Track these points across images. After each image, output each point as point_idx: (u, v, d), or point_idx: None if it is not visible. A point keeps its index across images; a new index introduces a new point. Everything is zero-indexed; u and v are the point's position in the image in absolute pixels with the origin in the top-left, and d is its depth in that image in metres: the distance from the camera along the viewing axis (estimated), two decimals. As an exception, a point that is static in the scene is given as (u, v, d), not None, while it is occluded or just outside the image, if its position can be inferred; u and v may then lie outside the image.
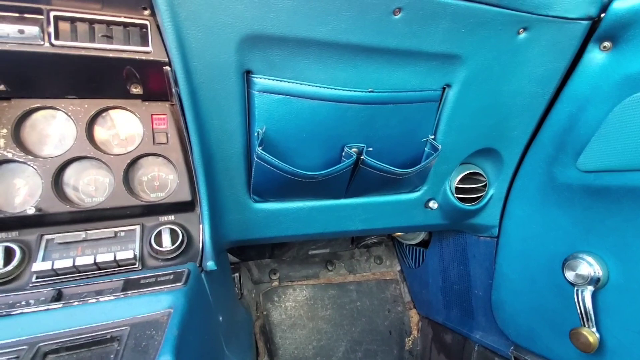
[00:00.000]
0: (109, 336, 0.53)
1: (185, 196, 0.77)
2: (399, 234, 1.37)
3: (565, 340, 0.90)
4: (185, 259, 0.76)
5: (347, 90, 0.78)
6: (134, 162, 0.75)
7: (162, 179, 0.79)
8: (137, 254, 0.71)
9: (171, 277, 0.64)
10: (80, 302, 0.56)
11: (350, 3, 0.67)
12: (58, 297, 0.57)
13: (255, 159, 0.77)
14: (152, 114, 0.77)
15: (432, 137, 0.92)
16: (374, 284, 1.51)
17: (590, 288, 0.87)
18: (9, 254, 0.64)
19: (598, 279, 0.86)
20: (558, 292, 0.94)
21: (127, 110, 0.75)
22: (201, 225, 0.79)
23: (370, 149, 0.85)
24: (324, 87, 0.76)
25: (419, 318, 1.48)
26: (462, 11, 0.73)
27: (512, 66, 0.85)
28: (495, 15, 0.76)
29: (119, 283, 0.62)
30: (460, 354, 1.23)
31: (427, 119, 0.90)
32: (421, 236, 1.37)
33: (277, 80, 0.74)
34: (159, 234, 0.74)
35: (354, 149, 0.84)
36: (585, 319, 0.87)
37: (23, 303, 0.56)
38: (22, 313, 0.53)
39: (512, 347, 1.07)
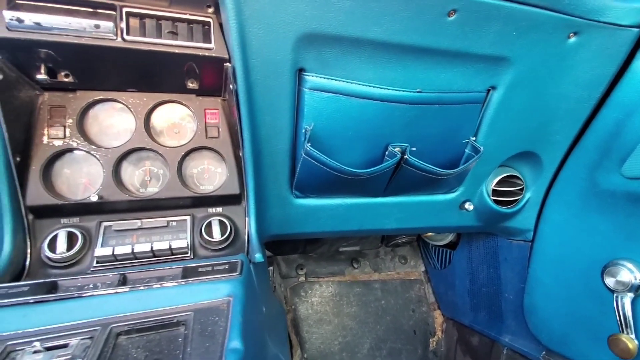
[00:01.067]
0: (175, 320, 0.55)
1: (234, 189, 0.79)
2: (429, 234, 1.38)
3: (601, 346, 0.90)
4: (233, 250, 0.78)
5: (395, 90, 0.79)
6: (187, 154, 0.78)
7: (211, 172, 0.81)
8: (189, 243, 0.74)
9: (226, 266, 0.66)
10: (145, 287, 0.59)
11: (407, 4, 0.68)
12: (123, 281, 0.60)
13: (303, 155, 0.79)
14: (205, 109, 0.79)
15: (474, 138, 0.92)
16: (398, 283, 1.52)
17: (630, 295, 0.86)
18: (71, 239, 0.67)
19: (639, 286, 0.85)
20: (595, 298, 0.93)
21: (182, 104, 0.77)
22: (247, 218, 0.81)
23: (414, 148, 0.85)
24: (373, 87, 0.77)
25: (443, 319, 1.48)
26: (515, 14, 0.74)
27: (559, 70, 0.85)
28: (547, 19, 0.76)
29: (178, 270, 0.64)
30: (488, 356, 1.23)
31: (470, 120, 0.91)
32: (449, 237, 1.37)
33: (328, 78, 0.75)
34: (209, 224, 0.76)
35: (398, 148, 0.85)
36: (624, 326, 0.86)
37: (91, 286, 0.59)
38: (92, 295, 0.56)
39: (544, 352, 1.07)
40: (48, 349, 0.48)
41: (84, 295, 0.56)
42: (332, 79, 0.76)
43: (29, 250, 0.66)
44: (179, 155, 0.76)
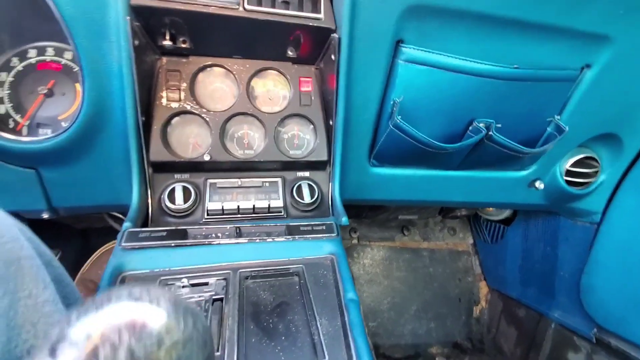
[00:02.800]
0: (290, 270, 0.63)
1: (322, 156, 0.84)
2: (487, 209, 1.39)
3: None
4: (319, 212, 0.84)
5: (490, 65, 0.78)
6: (282, 120, 0.82)
7: (300, 138, 0.86)
8: (283, 203, 0.80)
9: (324, 227, 0.72)
10: (260, 240, 0.66)
11: (521, -24, 0.66)
12: (239, 233, 0.68)
13: (390, 126, 0.81)
14: (300, 77, 0.82)
15: (558, 117, 0.91)
16: (446, 253, 1.57)
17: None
18: (185, 193, 0.75)
19: None
20: (662, 284, 0.95)
21: (280, 72, 0.81)
22: (331, 184, 0.86)
23: (499, 125, 0.86)
24: (469, 61, 0.77)
25: (488, 290, 1.54)
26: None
27: (664, 51, 0.81)
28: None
29: (282, 228, 0.71)
30: (534, 328, 1.28)
31: (558, 98, 0.89)
32: (505, 213, 1.38)
33: (424, 51, 0.76)
34: (299, 187, 0.82)
35: (483, 124, 0.85)
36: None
37: (214, 235, 0.67)
38: (219, 244, 0.64)
39: (596, 330, 1.11)
40: (192, 285, 0.57)
41: (213, 243, 0.64)
42: (428, 52, 0.76)
43: (149, 201, 0.74)
44: (275, 121, 0.81)
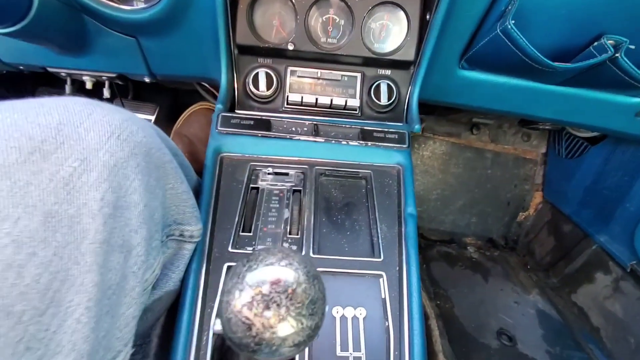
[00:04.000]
0: (359, 174, 0.69)
1: (409, 55, 0.78)
2: (575, 125, 1.26)
3: None
4: (393, 115, 0.84)
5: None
6: (372, 8, 0.74)
7: (388, 30, 0.79)
8: (359, 102, 0.81)
9: (396, 136, 0.74)
10: (335, 142, 0.71)
11: None
12: (317, 131, 0.72)
13: (498, 30, 0.71)
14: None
15: None
16: (511, 158, 1.53)
17: None
18: (267, 80, 0.78)
19: None
20: None
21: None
22: (411, 87, 0.83)
23: (633, 46, 0.71)
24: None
25: (541, 201, 1.55)
26: None
27: None
28: None
29: (357, 130, 0.74)
30: (574, 244, 1.33)
31: None
32: (595, 132, 1.25)
33: None
34: (378, 87, 0.80)
35: (612, 42, 0.71)
36: None
37: (293, 130, 0.72)
38: (299, 139, 0.70)
39: (635, 262, 1.13)
40: (275, 174, 0.67)
41: (293, 137, 0.70)
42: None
43: (235, 84, 0.79)
44: (365, 9, 0.74)
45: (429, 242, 1.48)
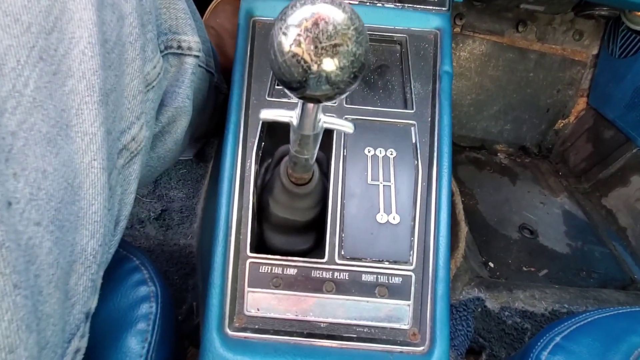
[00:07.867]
0: (394, 38, 0.67)
1: None
2: (638, 12, 1.12)
3: None
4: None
5: None
6: None
7: None
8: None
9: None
10: (369, 3, 0.68)
11: None
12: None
13: None
14: None
15: None
16: (558, 60, 1.42)
17: None
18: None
19: None
20: None
21: None
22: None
23: None
24: None
25: (584, 107, 1.46)
26: None
27: None
28: None
29: (394, -8, 0.70)
30: (612, 150, 1.28)
31: None
32: (661, 21, 1.11)
33: None
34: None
35: None
36: None
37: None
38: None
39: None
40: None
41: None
42: None
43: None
44: None
45: (457, 147, 1.47)
